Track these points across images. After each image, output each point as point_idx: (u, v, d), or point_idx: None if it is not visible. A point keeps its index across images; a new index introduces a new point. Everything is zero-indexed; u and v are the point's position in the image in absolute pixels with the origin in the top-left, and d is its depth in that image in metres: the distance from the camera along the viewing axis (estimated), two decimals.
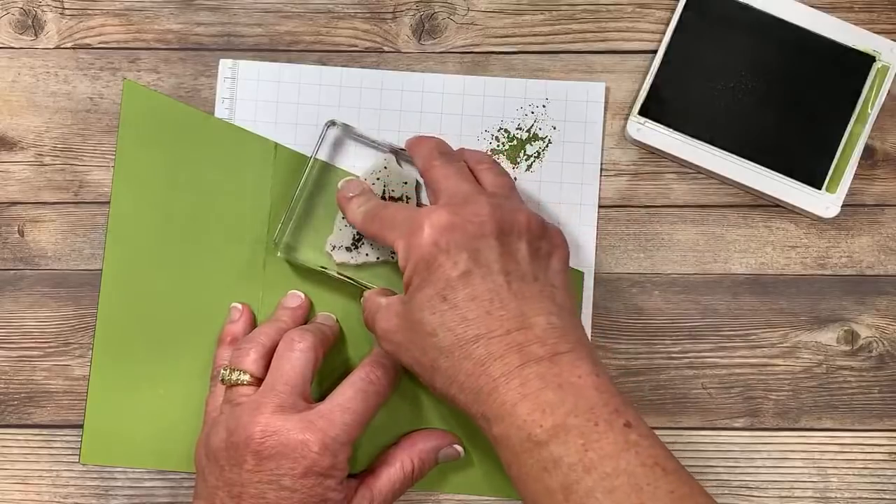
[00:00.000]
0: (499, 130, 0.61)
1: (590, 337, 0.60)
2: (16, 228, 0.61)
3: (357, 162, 0.60)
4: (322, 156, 0.60)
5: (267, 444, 0.51)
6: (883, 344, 0.60)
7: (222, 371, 0.55)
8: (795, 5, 0.60)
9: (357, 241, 0.59)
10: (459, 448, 0.58)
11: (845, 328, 0.60)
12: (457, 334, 0.49)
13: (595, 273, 0.60)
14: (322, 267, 0.59)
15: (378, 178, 0.59)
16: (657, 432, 0.59)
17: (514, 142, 0.61)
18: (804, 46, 0.60)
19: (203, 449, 0.54)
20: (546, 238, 0.53)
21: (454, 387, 0.50)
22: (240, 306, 0.59)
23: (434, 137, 0.58)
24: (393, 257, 0.58)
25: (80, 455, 0.59)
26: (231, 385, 0.54)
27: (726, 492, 0.60)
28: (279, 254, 0.59)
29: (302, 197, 0.59)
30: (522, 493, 0.49)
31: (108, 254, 0.60)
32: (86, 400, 0.60)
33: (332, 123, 0.60)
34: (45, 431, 0.60)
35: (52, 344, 0.60)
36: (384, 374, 0.55)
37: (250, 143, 0.60)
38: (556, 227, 0.54)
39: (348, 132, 0.60)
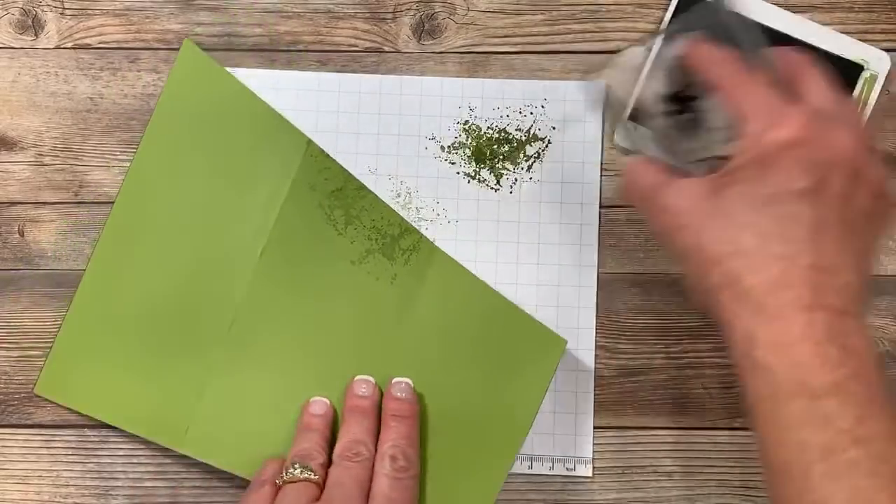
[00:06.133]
0: (498, 132, 0.61)
1: None
2: (16, 228, 0.61)
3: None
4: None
5: None
6: (883, 344, 0.60)
7: (293, 466, 0.54)
8: (784, 14, 0.60)
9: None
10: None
11: None
12: (763, 243, 0.47)
13: (596, 273, 0.60)
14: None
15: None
16: (657, 432, 0.60)
17: (514, 143, 0.61)
18: None
19: None
20: (884, 200, 0.49)
21: (730, 291, 0.47)
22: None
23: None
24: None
25: (35, 385, 0.59)
26: (292, 480, 0.54)
27: (726, 492, 0.60)
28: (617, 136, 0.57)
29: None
30: (763, 432, 0.46)
31: (116, 207, 0.59)
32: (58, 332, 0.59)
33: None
34: (45, 431, 0.60)
35: (51, 344, 0.60)
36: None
37: (285, 133, 0.60)
38: None
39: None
